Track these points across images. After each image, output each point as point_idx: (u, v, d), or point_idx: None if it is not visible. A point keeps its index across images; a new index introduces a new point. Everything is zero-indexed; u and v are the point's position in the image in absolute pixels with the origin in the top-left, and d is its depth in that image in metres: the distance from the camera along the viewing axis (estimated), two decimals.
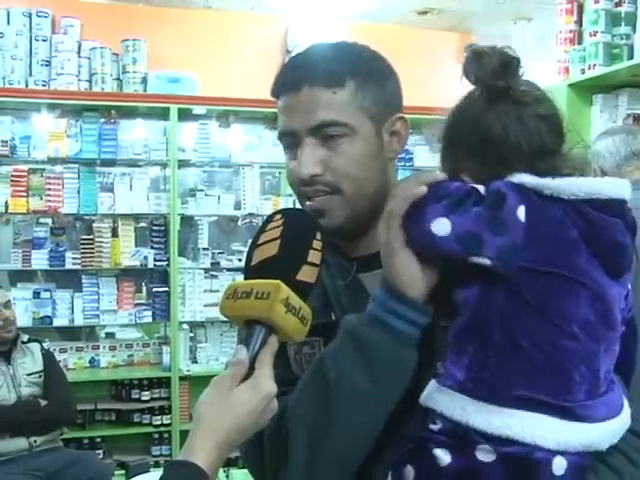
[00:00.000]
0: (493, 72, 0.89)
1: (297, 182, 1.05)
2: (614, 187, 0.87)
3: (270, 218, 0.95)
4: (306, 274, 0.89)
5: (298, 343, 1.02)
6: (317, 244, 0.91)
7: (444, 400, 0.86)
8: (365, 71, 1.05)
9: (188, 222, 4.69)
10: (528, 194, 0.85)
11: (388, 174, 1.09)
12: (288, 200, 4.56)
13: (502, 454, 0.82)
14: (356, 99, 1.02)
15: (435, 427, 0.86)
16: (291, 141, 1.05)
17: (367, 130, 1.04)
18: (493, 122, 0.89)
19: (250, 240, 0.95)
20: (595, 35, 2.94)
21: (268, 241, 0.91)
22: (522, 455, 0.82)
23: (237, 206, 4.61)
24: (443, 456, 0.84)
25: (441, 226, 0.84)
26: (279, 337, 0.88)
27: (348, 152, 1.02)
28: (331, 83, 1.01)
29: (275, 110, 1.07)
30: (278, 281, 0.86)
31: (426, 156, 4.63)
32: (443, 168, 0.95)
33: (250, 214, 4.67)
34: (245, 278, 0.91)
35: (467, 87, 0.93)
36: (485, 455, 0.82)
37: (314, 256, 0.90)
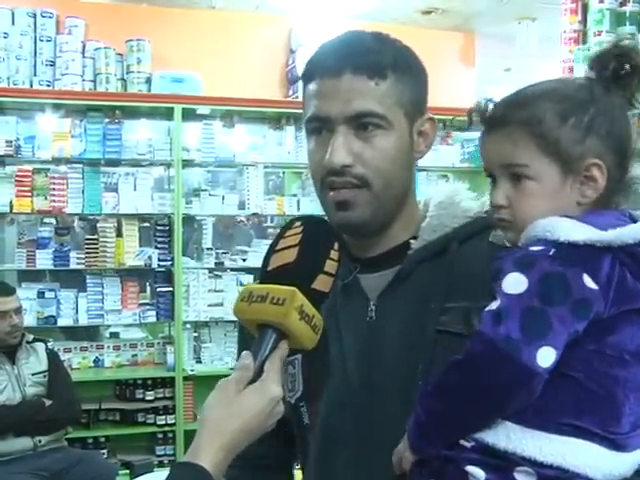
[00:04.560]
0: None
1: (323, 171, 1.00)
2: None
3: (290, 225, 0.94)
4: (321, 283, 0.89)
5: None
6: (334, 254, 0.91)
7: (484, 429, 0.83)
8: (405, 66, 1.02)
9: (192, 222, 4.69)
10: (578, 254, 0.82)
11: (412, 176, 1.07)
12: (292, 200, 4.54)
13: (543, 477, 0.80)
14: (395, 93, 1.00)
15: (468, 444, 0.83)
16: (321, 127, 1.01)
17: (402, 126, 1.01)
18: (626, 120, 0.89)
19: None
20: (600, 35, 2.94)
21: (286, 247, 0.91)
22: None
23: (241, 206, 4.60)
24: (477, 474, 0.81)
25: (546, 355, 0.79)
26: (289, 343, 0.88)
27: (381, 146, 0.99)
28: (374, 74, 0.98)
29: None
30: (294, 288, 0.86)
31: (428, 156, 4.60)
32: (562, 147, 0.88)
33: (254, 214, 4.68)
34: (260, 282, 0.91)
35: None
36: (524, 477, 0.80)
37: (330, 266, 0.90)
